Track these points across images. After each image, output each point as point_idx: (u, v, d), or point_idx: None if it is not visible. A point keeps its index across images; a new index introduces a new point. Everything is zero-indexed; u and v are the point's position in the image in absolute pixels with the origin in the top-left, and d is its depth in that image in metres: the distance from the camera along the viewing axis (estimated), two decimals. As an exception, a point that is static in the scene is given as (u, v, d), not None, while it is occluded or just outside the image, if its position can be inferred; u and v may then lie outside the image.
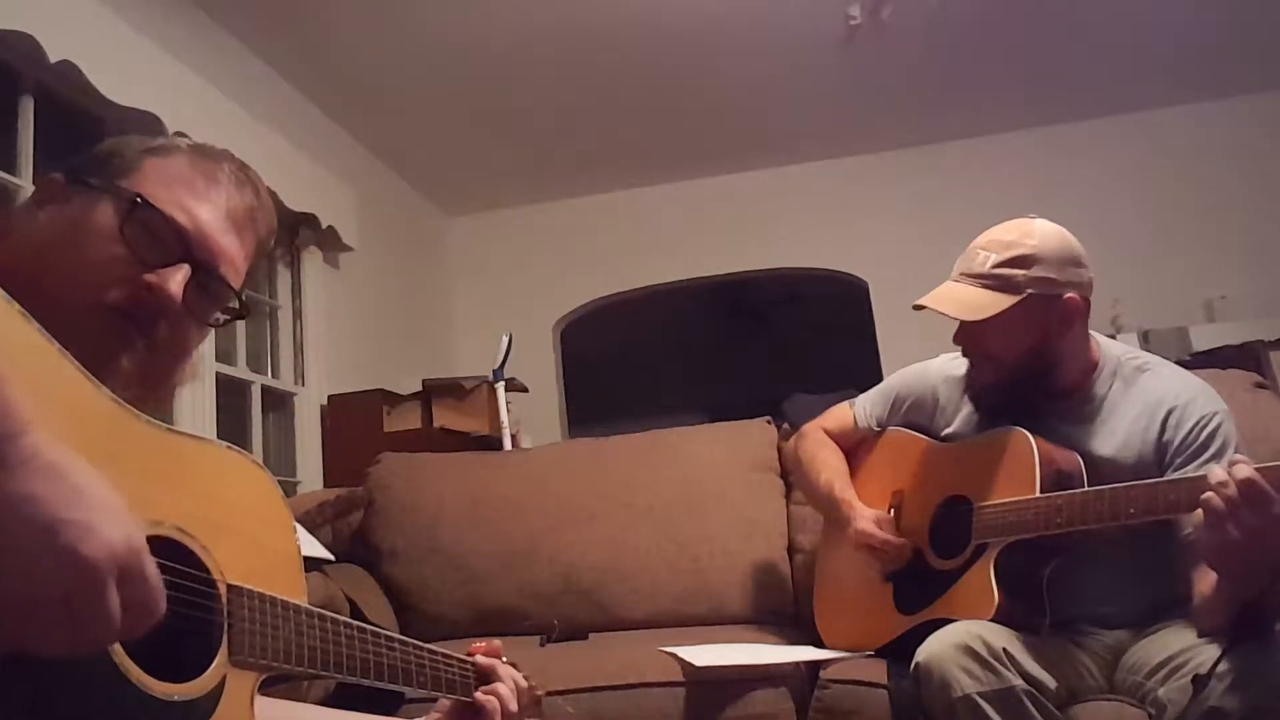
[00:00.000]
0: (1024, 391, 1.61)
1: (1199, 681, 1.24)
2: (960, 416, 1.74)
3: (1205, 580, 1.37)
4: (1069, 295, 1.54)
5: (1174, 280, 4.36)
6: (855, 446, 1.94)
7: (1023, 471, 1.51)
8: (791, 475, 2.14)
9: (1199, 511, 1.24)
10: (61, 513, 0.53)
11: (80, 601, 0.54)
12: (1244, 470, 1.20)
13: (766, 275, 5.24)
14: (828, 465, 1.89)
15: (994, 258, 1.56)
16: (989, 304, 1.53)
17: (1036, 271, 1.53)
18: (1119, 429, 1.57)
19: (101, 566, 0.54)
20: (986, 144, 4.78)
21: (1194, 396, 1.54)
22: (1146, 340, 3.97)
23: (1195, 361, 3.20)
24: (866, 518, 1.71)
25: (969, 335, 1.62)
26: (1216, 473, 1.22)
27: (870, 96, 4.31)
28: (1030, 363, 1.58)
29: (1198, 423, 1.51)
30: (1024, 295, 1.53)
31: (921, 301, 1.60)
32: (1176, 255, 4.42)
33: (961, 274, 1.60)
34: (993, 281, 1.55)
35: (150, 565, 0.57)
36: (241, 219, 0.89)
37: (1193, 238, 4.48)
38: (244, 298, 0.90)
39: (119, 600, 0.55)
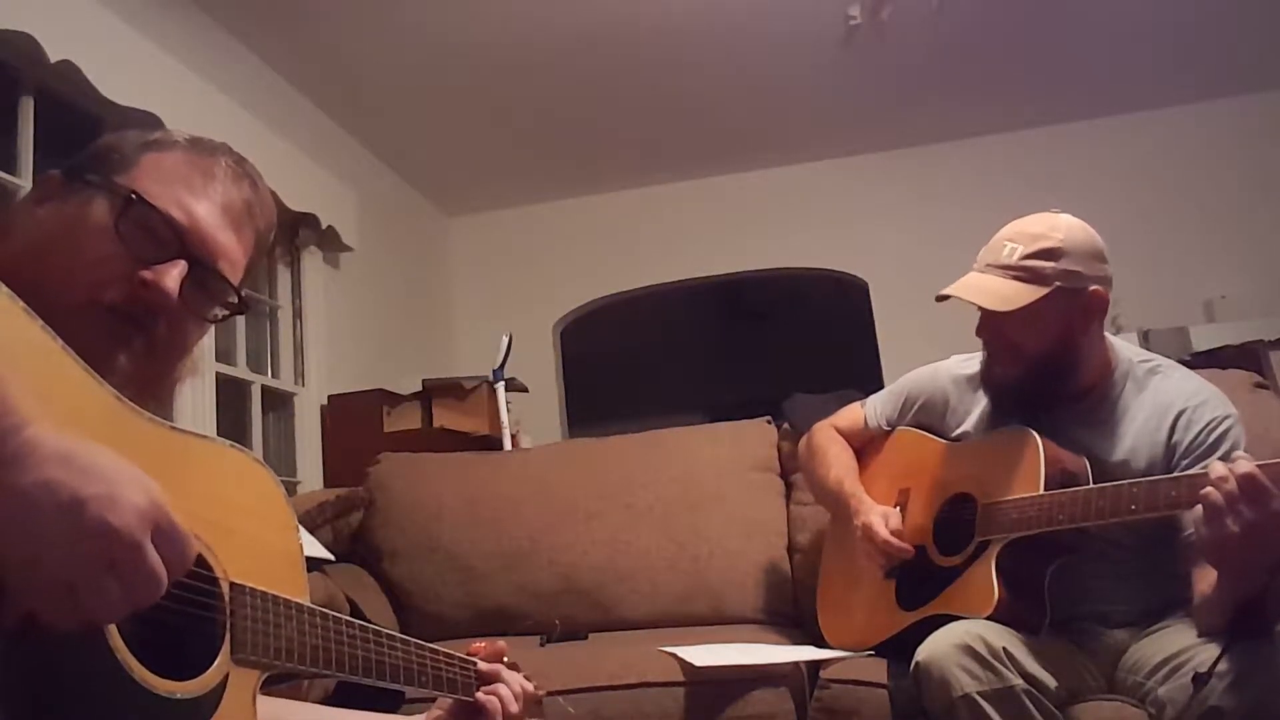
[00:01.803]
0: (1040, 387, 1.61)
1: (1198, 680, 1.24)
2: (971, 417, 1.74)
3: (1205, 579, 1.37)
4: (1094, 289, 1.55)
5: (1174, 280, 4.36)
6: (865, 445, 1.95)
7: (1028, 470, 1.51)
8: (801, 471, 2.14)
9: (1199, 508, 1.24)
10: (84, 490, 0.55)
11: (125, 567, 0.56)
12: (1244, 465, 1.20)
13: (766, 275, 5.23)
14: (837, 461, 1.90)
15: (1021, 249, 1.56)
16: (1019, 295, 1.53)
17: (1064, 264, 1.53)
18: (1129, 433, 1.57)
19: (135, 531, 0.56)
20: (986, 144, 4.78)
21: (1205, 399, 1.54)
22: (1146, 340, 3.98)
23: (1195, 361, 3.19)
24: (874, 513, 1.71)
25: (994, 327, 1.61)
26: (1217, 468, 1.23)
27: (870, 96, 4.31)
28: (1051, 357, 1.57)
29: (1207, 425, 1.51)
30: (1052, 287, 1.53)
31: (948, 291, 1.59)
32: (1176, 255, 4.42)
33: (988, 265, 1.59)
34: (1022, 273, 1.54)
35: (176, 517, 0.59)
36: (239, 214, 0.88)
37: (1193, 238, 4.48)
38: (243, 293, 0.89)
39: (158, 556, 0.57)
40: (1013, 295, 1.53)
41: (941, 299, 1.61)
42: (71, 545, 0.54)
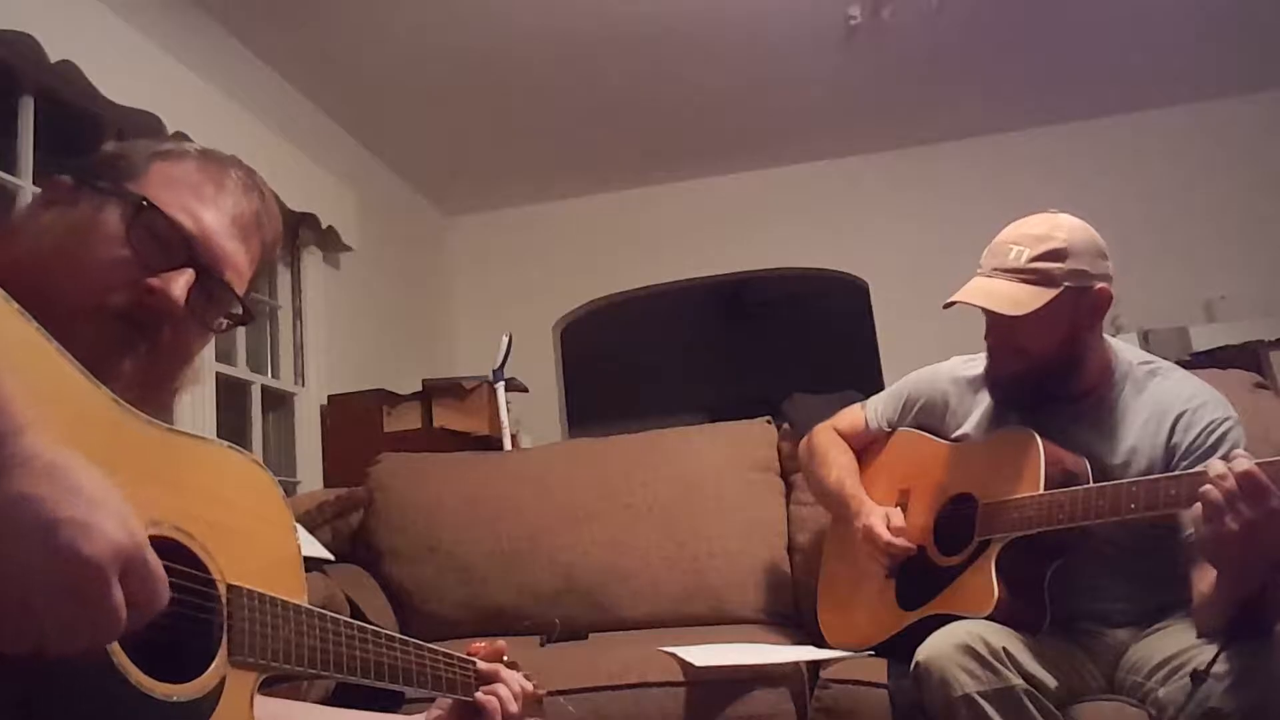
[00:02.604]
0: (1045, 387, 1.61)
1: (1196, 678, 1.24)
2: (972, 418, 1.74)
3: (1205, 579, 1.37)
4: (1100, 286, 1.55)
5: (1174, 280, 4.36)
6: (866, 447, 1.95)
7: (1028, 470, 1.51)
8: (802, 473, 2.14)
9: (1198, 507, 1.24)
10: (61, 511, 0.53)
11: (86, 599, 0.54)
12: (1243, 463, 1.20)
13: (766, 275, 5.24)
14: (838, 463, 1.90)
15: (1028, 252, 1.55)
16: (1030, 298, 1.53)
17: (1071, 264, 1.53)
18: (1129, 435, 1.57)
19: (104, 564, 0.54)
20: (987, 144, 4.78)
21: (1205, 401, 1.54)
22: (1146, 340, 3.98)
23: (1195, 361, 3.20)
24: (875, 515, 1.71)
25: (1003, 330, 1.61)
26: (1216, 466, 1.23)
27: (870, 96, 4.31)
28: (1058, 356, 1.58)
29: (1206, 426, 1.51)
30: (1061, 288, 1.53)
31: (957, 298, 1.59)
32: (1176, 255, 4.42)
33: (995, 269, 1.59)
34: (1030, 276, 1.54)
35: (152, 557, 0.58)
36: (247, 225, 0.89)
37: (1193, 238, 4.47)
38: (248, 303, 0.90)
39: (123, 596, 0.55)
40: (1025, 299, 1.53)
41: (949, 306, 1.61)
42: (37, 566, 0.53)
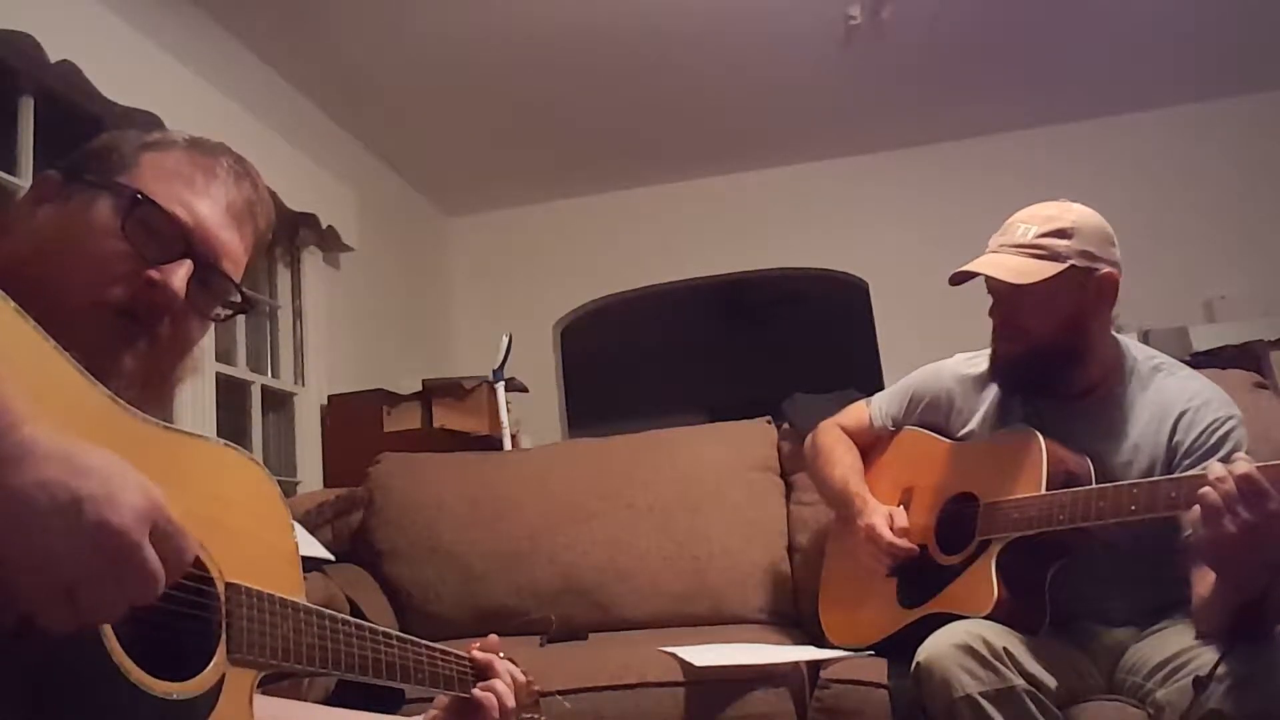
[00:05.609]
0: (1050, 373, 1.60)
1: (1199, 684, 1.24)
2: (976, 416, 1.74)
3: (1204, 582, 1.37)
4: (1106, 270, 1.56)
5: (1174, 280, 4.35)
6: (870, 445, 1.95)
7: (1030, 470, 1.51)
8: (806, 469, 2.14)
9: (1197, 509, 1.24)
10: (80, 490, 0.55)
11: (123, 566, 0.55)
12: (1243, 466, 1.20)
13: (766, 275, 5.23)
14: (842, 461, 1.90)
15: (1035, 229, 1.57)
16: (1035, 270, 1.53)
17: (1078, 244, 1.54)
18: (1133, 433, 1.57)
19: (134, 530, 0.56)
20: (986, 144, 4.77)
21: (1208, 400, 1.54)
22: (1146, 340, 3.96)
23: (1195, 361, 3.19)
24: (879, 513, 1.71)
25: (1007, 306, 1.61)
26: (1215, 469, 1.23)
27: (870, 96, 4.31)
28: (1061, 340, 1.57)
29: (1209, 425, 1.51)
30: (1067, 265, 1.53)
31: (966, 267, 1.59)
32: (1176, 255, 4.41)
33: (1002, 245, 1.60)
34: (1037, 250, 1.55)
35: (173, 516, 0.59)
36: (241, 213, 0.89)
37: (1193, 238, 4.47)
38: (246, 292, 0.90)
39: (156, 555, 0.57)
40: (1029, 270, 1.54)
41: (958, 279, 1.61)
42: (70, 545, 0.54)
